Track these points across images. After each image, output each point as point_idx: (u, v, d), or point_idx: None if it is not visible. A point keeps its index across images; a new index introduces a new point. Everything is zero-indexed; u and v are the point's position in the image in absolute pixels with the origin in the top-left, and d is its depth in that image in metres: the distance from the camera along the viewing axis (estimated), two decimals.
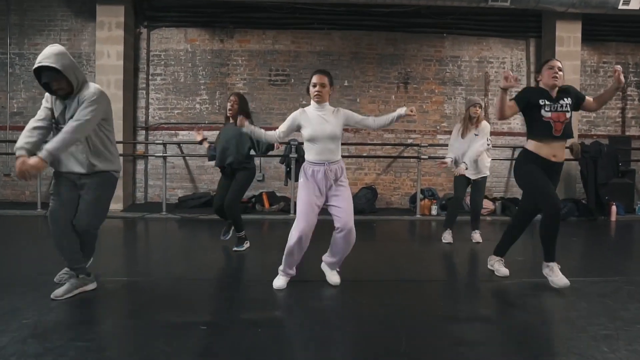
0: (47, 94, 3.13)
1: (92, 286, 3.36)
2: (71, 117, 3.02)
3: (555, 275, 3.53)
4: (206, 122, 8.13)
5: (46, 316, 2.83)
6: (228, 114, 4.66)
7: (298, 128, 3.54)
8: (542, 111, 3.53)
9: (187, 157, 8.21)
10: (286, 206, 7.58)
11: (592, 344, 2.56)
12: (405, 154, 8.36)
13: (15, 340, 2.48)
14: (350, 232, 3.45)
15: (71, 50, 8.09)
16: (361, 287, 3.61)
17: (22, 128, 7.84)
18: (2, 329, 2.62)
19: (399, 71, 8.42)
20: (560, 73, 3.55)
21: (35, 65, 2.93)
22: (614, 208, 7.38)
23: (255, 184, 8.30)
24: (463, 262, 4.74)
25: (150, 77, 8.27)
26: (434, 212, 7.56)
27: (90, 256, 3.53)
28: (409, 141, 8.34)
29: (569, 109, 3.55)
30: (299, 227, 3.37)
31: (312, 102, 3.52)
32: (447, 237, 5.37)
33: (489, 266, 4.08)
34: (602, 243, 6.01)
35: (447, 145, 8.02)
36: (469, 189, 5.43)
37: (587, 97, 3.71)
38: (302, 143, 8.00)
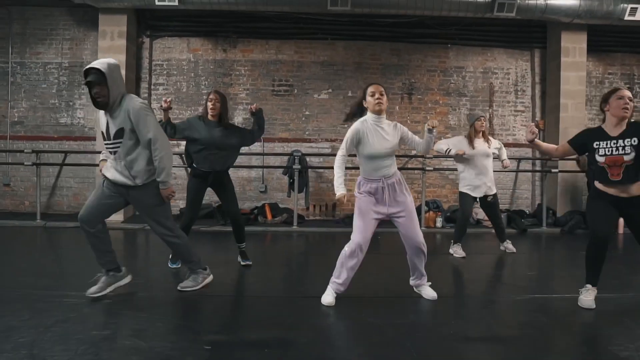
0: (100, 123, 3.37)
1: (126, 280, 3.55)
2: (120, 129, 3.20)
3: (586, 296, 3.40)
4: None
5: (43, 335, 2.72)
6: (210, 115, 4.41)
7: (358, 142, 3.39)
8: (596, 155, 3.21)
9: (189, 168, 8.09)
10: (289, 218, 7.47)
11: None
12: (410, 166, 8.27)
13: None
14: (420, 248, 3.50)
15: (73, 60, 8.06)
16: (369, 304, 3.50)
17: (22, 137, 7.99)
18: None
19: (403, 82, 8.36)
20: (631, 104, 3.13)
21: (87, 66, 3.19)
22: (621, 220, 7.20)
23: (258, 195, 8.21)
24: (471, 278, 4.62)
25: (152, 87, 8.21)
26: (438, 224, 7.46)
27: (189, 263, 3.71)
28: (413, 152, 8.24)
29: (629, 151, 3.10)
30: (355, 240, 3.37)
31: (369, 114, 3.42)
32: (458, 251, 5.28)
33: None
34: (612, 257, 5.77)
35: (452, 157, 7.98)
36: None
37: None
38: (305, 154, 7.86)
